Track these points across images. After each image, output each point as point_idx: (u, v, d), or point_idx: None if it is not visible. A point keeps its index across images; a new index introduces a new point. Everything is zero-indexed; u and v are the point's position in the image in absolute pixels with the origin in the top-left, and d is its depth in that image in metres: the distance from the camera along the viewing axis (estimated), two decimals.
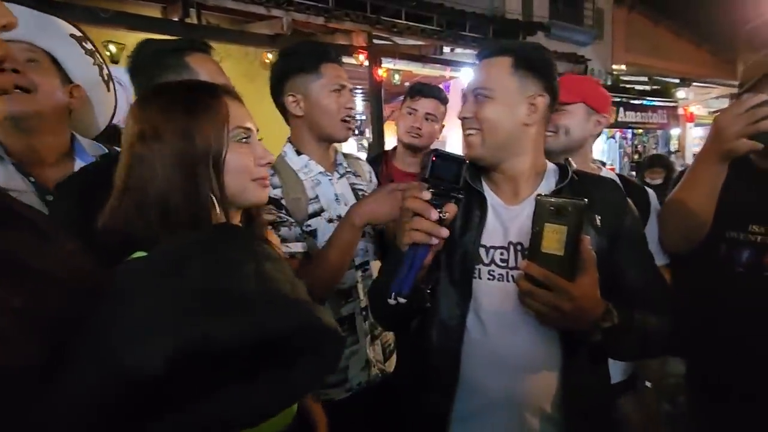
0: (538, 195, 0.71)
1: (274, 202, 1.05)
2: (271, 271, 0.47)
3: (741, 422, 1.07)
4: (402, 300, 0.72)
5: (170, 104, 0.60)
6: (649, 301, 0.82)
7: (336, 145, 1.23)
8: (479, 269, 0.86)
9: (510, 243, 0.85)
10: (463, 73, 5.71)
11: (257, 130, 0.69)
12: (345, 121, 1.13)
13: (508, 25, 6.76)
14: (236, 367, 0.42)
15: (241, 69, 4.45)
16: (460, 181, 0.74)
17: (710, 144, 0.98)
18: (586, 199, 0.70)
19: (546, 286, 0.70)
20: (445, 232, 0.72)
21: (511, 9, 7.28)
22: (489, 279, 0.85)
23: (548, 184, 0.89)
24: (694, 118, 9.58)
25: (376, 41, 5.01)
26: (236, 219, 0.67)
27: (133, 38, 3.52)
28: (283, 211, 1.06)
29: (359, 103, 7.68)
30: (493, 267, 0.85)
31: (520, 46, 0.90)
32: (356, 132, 8.13)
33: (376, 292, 0.93)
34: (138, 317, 0.41)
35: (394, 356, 1.24)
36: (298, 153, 1.16)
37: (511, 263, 0.85)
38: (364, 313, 1.15)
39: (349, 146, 7.14)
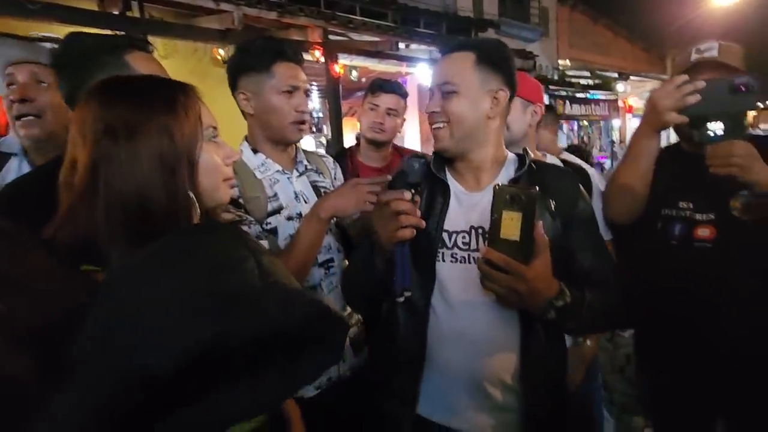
0: (496, 185, 0.76)
1: (231, 201, 1.03)
2: (269, 265, 0.46)
3: (681, 386, 1.19)
4: (408, 294, 0.83)
5: (147, 101, 0.57)
6: (599, 281, 0.89)
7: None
8: (442, 253, 0.91)
9: (471, 227, 0.91)
10: (418, 68, 5.80)
11: None
12: (296, 123, 1.11)
13: (461, 22, 6.92)
14: (244, 361, 0.42)
15: (189, 66, 4.25)
16: (421, 178, 0.86)
17: (646, 118, 1.11)
18: (537, 188, 0.75)
19: (504, 270, 0.75)
20: (423, 223, 0.83)
21: (462, 6, 7.45)
22: (452, 261, 0.90)
23: (508, 172, 0.95)
24: (632, 110, 10.31)
25: (331, 37, 4.96)
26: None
27: (68, 32, 3.27)
28: (242, 210, 1.04)
29: (316, 100, 7.57)
30: (455, 250, 0.91)
31: (482, 43, 0.95)
32: (314, 129, 8.01)
33: (353, 282, 1.00)
34: (148, 317, 0.40)
35: (365, 350, 1.25)
36: (255, 151, 1.13)
37: (473, 246, 0.90)
38: None
39: (307, 143, 7.03)
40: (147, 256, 0.46)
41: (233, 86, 1.12)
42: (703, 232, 1.11)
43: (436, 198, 0.93)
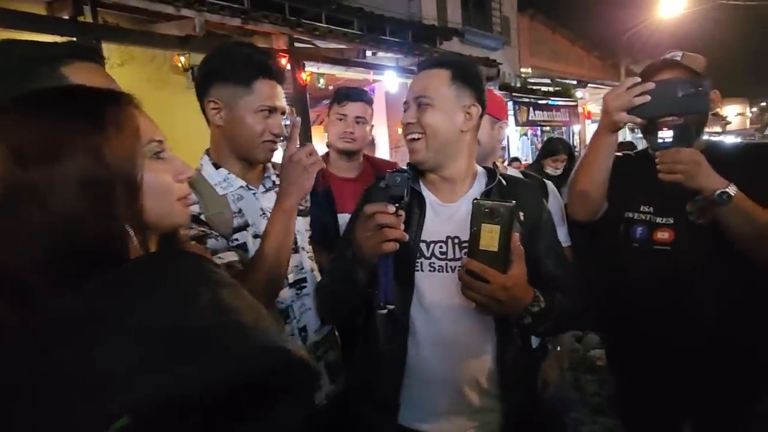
0: (475, 199, 0.80)
1: (193, 219, 0.95)
2: (228, 300, 0.42)
3: (648, 386, 1.23)
4: (390, 306, 0.83)
5: (66, 117, 0.49)
6: (562, 285, 0.95)
7: None
8: (421, 262, 0.94)
9: (448, 237, 0.94)
10: (386, 76, 5.82)
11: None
12: (266, 142, 1.04)
13: (426, 31, 7.03)
14: (198, 420, 0.37)
15: (145, 74, 4.08)
16: (407, 192, 0.85)
17: (602, 119, 1.16)
18: (514, 201, 0.79)
19: (484, 279, 0.78)
20: (407, 237, 0.83)
21: (427, 15, 7.58)
22: (430, 271, 0.94)
23: (480, 185, 0.99)
24: (590, 116, 10.81)
25: (297, 45, 4.90)
26: (153, 245, 0.58)
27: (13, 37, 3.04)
28: (204, 226, 0.97)
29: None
30: (433, 260, 0.94)
31: (456, 61, 1.00)
32: (281, 138, 7.86)
33: (333, 295, 1.01)
34: (87, 370, 0.35)
35: (342, 376, 1.19)
36: (217, 166, 1.06)
37: (450, 255, 0.93)
38: (303, 334, 1.09)
39: (276, 153, 6.88)
40: (90, 297, 0.41)
41: (202, 91, 1.03)
42: (663, 235, 1.15)
43: (412, 209, 0.96)
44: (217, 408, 0.37)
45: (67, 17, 3.54)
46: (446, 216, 0.96)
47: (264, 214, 1.07)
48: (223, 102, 1.02)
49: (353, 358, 1.14)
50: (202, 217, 0.99)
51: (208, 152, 1.09)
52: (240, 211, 1.05)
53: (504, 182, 0.99)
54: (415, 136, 0.93)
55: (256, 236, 1.04)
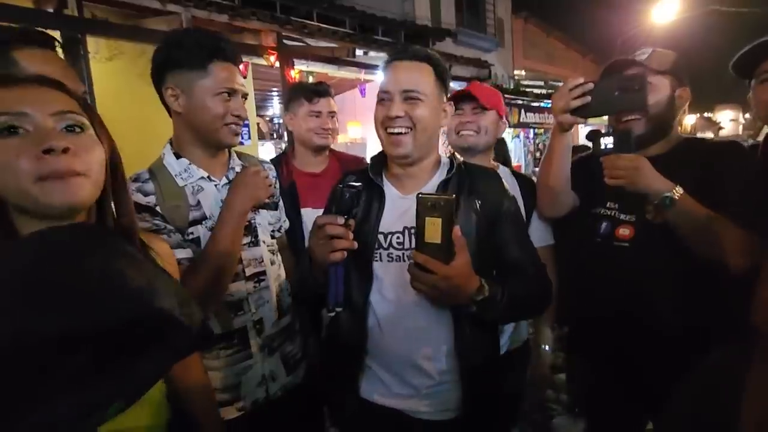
0: (419, 193, 0.81)
1: (148, 209, 0.95)
2: (120, 267, 0.44)
3: (608, 383, 1.22)
4: (338, 309, 0.88)
5: None
6: (524, 271, 0.97)
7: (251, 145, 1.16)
8: (379, 253, 0.96)
9: (405, 228, 0.96)
10: (378, 76, 5.82)
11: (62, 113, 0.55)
12: (229, 125, 1.03)
13: (419, 31, 7.02)
14: (74, 363, 0.40)
15: (135, 69, 4.01)
16: (356, 202, 0.88)
17: (554, 119, 1.18)
18: (454, 195, 0.81)
19: (430, 270, 0.80)
20: (356, 245, 0.85)
21: (420, 15, 7.57)
22: (388, 261, 0.96)
23: (440, 175, 1.00)
24: None
25: (287, 42, 4.88)
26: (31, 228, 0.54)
27: None
28: (158, 219, 0.96)
29: (276, 106, 7.39)
30: (391, 250, 0.96)
31: (435, 57, 0.99)
32: (274, 135, 7.84)
33: (301, 291, 1.05)
34: None
35: (301, 368, 1.20)
36: (178, 156, 1.04)
37: (407, 246, 0.96)
38: (258, 326, 1.08)
39: (267, 150, 6.85)
40: None
41: (159, 79, 1.02)
42: (624, 231, 1.17)
43: (372, 203, 0.98)
44: (92, 349, 0.40)
45: (51, 10, 3.50)
46: (404, 208, 0.97)
47: None
48: (180, 88, 1.00)
49: (320, 344, 1.17)
50: (158, 208, 0.98)
51: (171, 141, 1.08)
52: (198, 203, 1.04)
53: (464, 170, 1.00)
54: (402, 130, 0.93)
55: (212, 230, 1.03)
